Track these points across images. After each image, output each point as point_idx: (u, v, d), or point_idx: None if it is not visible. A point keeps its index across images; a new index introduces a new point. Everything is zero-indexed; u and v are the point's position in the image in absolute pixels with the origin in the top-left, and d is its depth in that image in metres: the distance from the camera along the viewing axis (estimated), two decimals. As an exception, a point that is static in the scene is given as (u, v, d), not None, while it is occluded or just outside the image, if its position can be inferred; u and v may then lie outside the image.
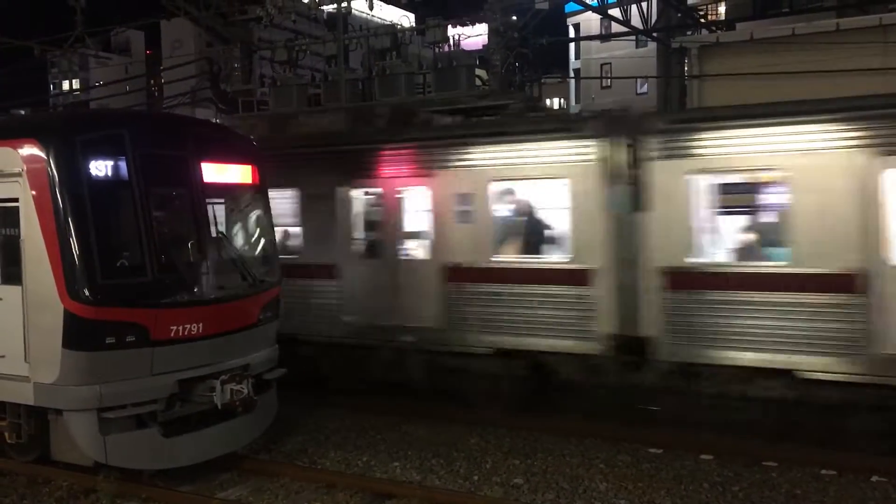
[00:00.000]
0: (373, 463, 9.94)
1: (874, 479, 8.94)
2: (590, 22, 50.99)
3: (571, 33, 52.55)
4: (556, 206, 11.36)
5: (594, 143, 10.90)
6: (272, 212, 10.86)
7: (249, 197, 10.53)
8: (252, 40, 19.60)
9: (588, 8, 28.02)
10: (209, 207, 9.69)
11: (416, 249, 12.47)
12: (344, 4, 17.53)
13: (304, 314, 12.72)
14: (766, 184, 10.31)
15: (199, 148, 9.64)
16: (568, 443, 10.44)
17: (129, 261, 8.97)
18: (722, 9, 30.16)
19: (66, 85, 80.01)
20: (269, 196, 10.78)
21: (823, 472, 9.19)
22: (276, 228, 10.98)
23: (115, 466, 8.87)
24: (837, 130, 9.59)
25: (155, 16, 23.81)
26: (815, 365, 9.62)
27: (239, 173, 10.26)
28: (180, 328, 8.92)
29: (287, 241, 13.13)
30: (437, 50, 17.00)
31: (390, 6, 58.07)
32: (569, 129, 11.32)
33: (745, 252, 10.49)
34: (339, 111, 15.06)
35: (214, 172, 9.78)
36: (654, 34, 22.54)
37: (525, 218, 11.83)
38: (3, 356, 9.02)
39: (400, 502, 8.60)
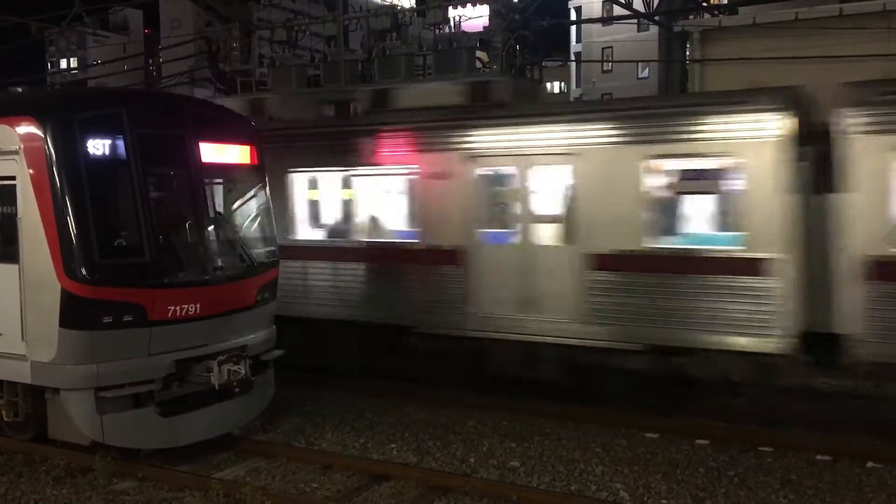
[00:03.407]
0: (370, 445, 9.96)
1: (869, 464, 8.97)
2: (591, 5, 50.76)
3: (573, 16, 52.28)
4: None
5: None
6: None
7: (248, 177, 10.49)
8: (251, 20, 19.49)
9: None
10: (207, 188, 9.67)
11: None
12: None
13: None
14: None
15: (198, 128, 9.59)
16: (565, 427, 10.46)
17: (127, 240, 8.95)
18: (725, -7, 29.94)
19: (63, 63, 79.70)
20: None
21: (819, 457, 9.22)
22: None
23: (112, 445, 8.89)
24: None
25: (153, -6, 23.64)
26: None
27: (237, 154, 10.21)
28: (178, 308, 8.91)
29: None
30: (437, 31, 16.91)
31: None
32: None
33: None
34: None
35: (213, 152, 9.74)
36: (657, 18, 22.40)
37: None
38: (0, 334, 9.02)
39: (397, 483, 8.62)
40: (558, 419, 10.73)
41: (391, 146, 12.20)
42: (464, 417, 10.91)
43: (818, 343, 9.87)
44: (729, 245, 10.09)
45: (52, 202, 8.50)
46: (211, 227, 9.53)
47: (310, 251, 12.87)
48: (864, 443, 9.45)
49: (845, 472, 8.80)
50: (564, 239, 11.14)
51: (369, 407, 11.43)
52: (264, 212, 10.61)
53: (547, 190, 11.39)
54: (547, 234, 11.39)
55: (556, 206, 11.36)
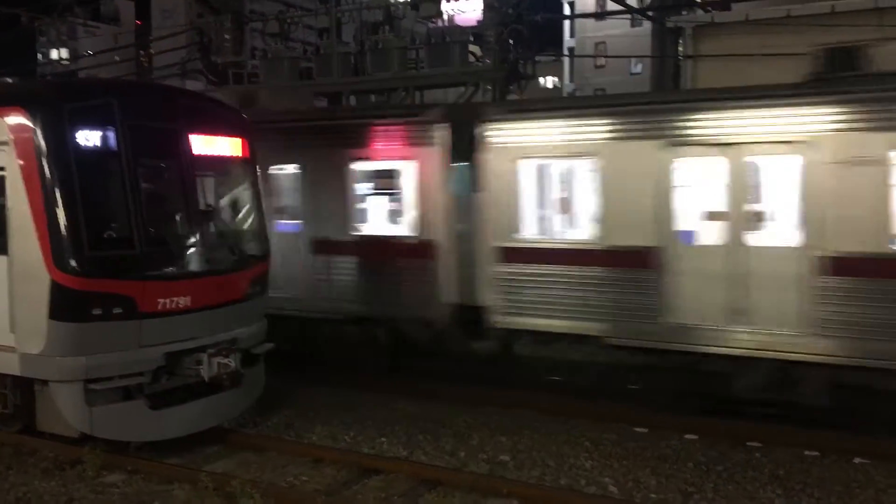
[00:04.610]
0: (360, 438, 9.97)
1: (857, 460, 9.03)
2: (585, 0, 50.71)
3: (567, 11, 52.20)
4: None
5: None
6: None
7: (239, 170, 10.45)
8: (243, 12, 19.42)
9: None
10: (198, 180, 9.63)
11: None
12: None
13: None
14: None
15: (190, 120, 9.55)
16: (554, 421, 10.48)
17: (117, 232, 8.92)
18: (718, -11, 29.96)
19: (54, 54, 79.04)
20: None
21: (807, 452, 9.26)
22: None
23: (101, 438, 8.87)
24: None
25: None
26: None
27: (229, 146, 10.17)
28: (168, 301, 8.89)
29: None
30: (430, 25, 16.90)
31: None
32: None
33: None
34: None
35: (204, 145, 9.70)
36: (650, 13, 22.41)
37: None
38: (-12, 326, 8.98)
39: (387, 477, 8.63)
40: (548, 414, 10.75)
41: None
42: (454, 412, 10.92)
43: None
44: None
45: (42, 193, 8.45)
46: (201, 220, 9.50)
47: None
48: (852, 439, 9.50)
49: (833, 468, 8.85)
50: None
51: (360, 401, 11.42)
52: (255, 205, 10.58)
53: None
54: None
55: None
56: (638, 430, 10.14)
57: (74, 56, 70.99)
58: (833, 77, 10.29)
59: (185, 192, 9.39)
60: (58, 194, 8.43)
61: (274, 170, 12.86)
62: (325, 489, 8.36)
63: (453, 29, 16.31)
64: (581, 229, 11.12)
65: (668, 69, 21.54)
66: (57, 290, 8.43)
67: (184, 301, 9.04)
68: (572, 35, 55.40)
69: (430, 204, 11.76)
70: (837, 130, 9.40)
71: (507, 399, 11.29)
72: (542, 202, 11.51)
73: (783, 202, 9.96)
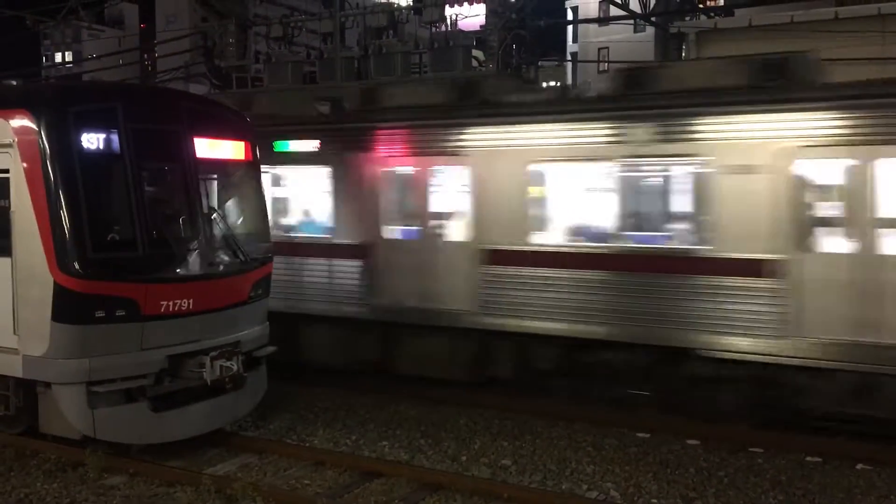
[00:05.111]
0: (361, 442, 9.97)
1: (859, 466, 9.01)
2: (588, 5, 50.72)
3: (570, 16, 52.23)
4: None
5: None
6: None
7: (242, 173, 10.47)
8: (247, 16, 19.49)
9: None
10: (201, 183, 9.65)
11: None
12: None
13: None
14: None
15: (193, 123, 9.57)
16: (556, 426, 10.48)
17: (120, 235, 8.93)
18: (721, -6, 30.03)
19: (58, 57, 79.38)
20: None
21: (808, 458, 9.25)
22: None
23: (103, 440, 8.87)
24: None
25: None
26: None
27: (232, 149, 10.19)
28: (170, 303, 8.90)
29: None
30: (434, 29, 16.94)
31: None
32: None
33: None
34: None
35: (207, 148, 9.71)
36: (653, 19, 22.45)
37: None
38: (-8, 328, 8.99)
39: (388, 481, 8.63)
40: (550, 418, 10.74)
41: None
42: (456, 415, 10.92)
43: None
44: None
45: (46, 196, 8.47)
46: (205, 223, 9.51)
47: None
48: (854, 445, 9.49)
49: (835, 474, 8.84)
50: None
51: (361, 404, 11.43)
52: (258, 208, 10.60)
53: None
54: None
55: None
56: (640, 434, 10.14)
57: (79, 59, 71.25)
58: None
59: (188, 194, 9.40)
60: (61, 197, 8.45)
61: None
62: (326, 492, 8.36)
63: (456, 33, 16.35)
64: None
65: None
66: (60, 293, 8.44)
67: (186, 303, 9.05)
68: (575, 40, 55.40)
69: None
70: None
71: (508, 403, 11.28)
72: None
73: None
